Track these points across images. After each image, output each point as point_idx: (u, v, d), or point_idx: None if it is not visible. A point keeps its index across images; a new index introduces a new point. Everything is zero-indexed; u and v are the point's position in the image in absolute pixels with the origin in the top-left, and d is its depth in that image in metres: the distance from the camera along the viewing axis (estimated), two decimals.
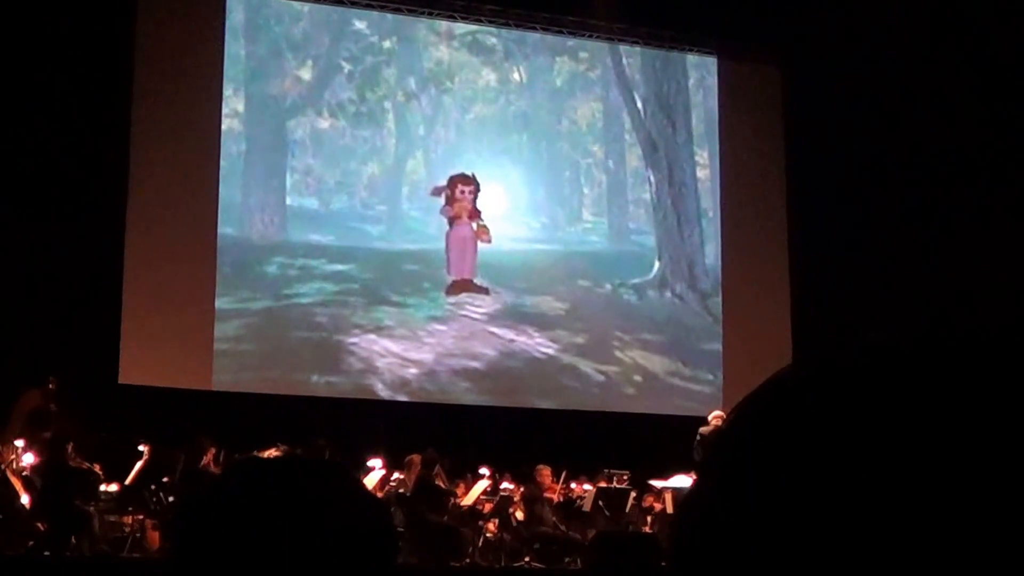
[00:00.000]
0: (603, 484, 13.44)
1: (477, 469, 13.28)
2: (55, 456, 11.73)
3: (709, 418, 13.21)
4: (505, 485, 13.26)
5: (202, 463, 12.08)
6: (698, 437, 13.02)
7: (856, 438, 0.56)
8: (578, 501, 13.31)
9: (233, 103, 15.52)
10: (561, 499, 13.35)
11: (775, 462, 0.58)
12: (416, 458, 12.85)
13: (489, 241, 16.07)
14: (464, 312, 15.90)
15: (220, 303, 14.92)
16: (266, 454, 10.90)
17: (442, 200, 16.07)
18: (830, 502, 0.55)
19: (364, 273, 15.68)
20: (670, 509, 12.80)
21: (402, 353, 15.49)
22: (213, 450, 12.29)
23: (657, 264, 16.87)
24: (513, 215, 16.44)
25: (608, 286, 16.64)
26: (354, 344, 15.33)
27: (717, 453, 0.62)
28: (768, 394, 0.62)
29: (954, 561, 0.53)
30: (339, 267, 15.60)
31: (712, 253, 17.02)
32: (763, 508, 0.57)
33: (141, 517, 11.94)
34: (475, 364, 15.77)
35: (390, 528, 1.38)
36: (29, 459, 11.83)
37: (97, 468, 12.00)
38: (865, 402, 0.58)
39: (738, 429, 0.62)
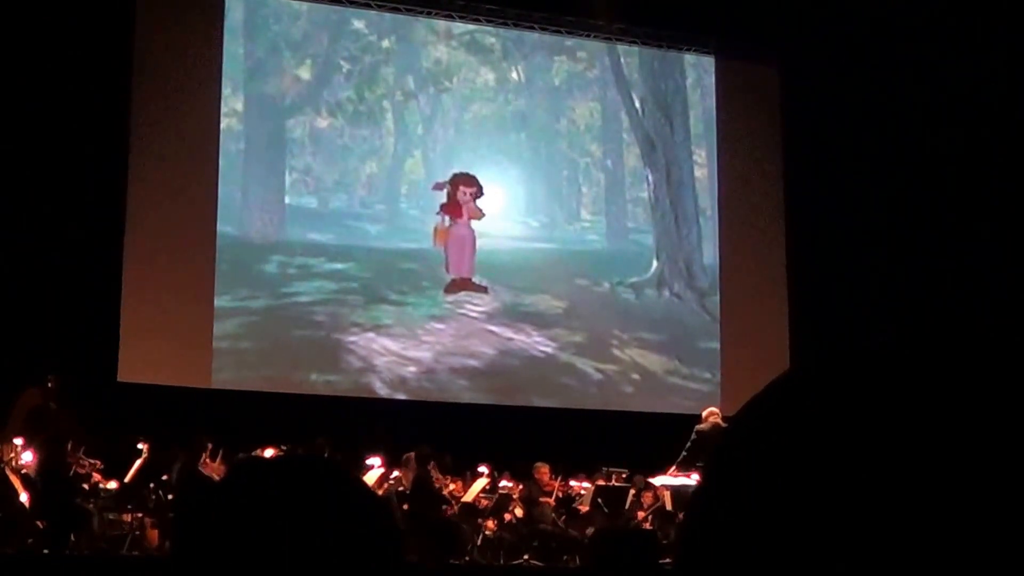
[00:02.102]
0: (602, 482, 13.45)
1: (476, 467, 13.28)
2: (54, 454, 11.72)
3: (704, 414, 13.21)
4: (504, 483, 13.26)
5: (199, 461, 12.09)
6: (694, 435, 13.02)
7: (859, 441, 0.57)
8: (577, 499, 13.31)
9: (232, 102, 15.51)
10: (560, 497, 13.35)
11: (779, 464, 0.59)
12: (413, 455, 12.85)
13: (480, 216, 16.05)
14: (463, 311, 15.90)
15: (219, 301, 14.91)
16: (266, 453, 10.93)
17: (443, 197, 16.06)
18: (833, 504, 0.56)
19: (363, 272, 15.68)
20: (669, 506, 12.80)
21: (401, 351, 15.48)
22: (210, 447, 12.30)
23: (655, 263, 16.86)
24: (511, 214, 16.43)
25: (606, 285, 16.64)
26: (353, 343, 15.33)
27: (722, 455, 0.63)
28: (772, 397, 0.62)
29: (954, 562, 0.54)
30: (338, 266, 15.60)
31: (710, 252, 17.01)
32: (767, 510, 0.58)
33: (140, 515, 11.92)
34: (474, 362, 15.77)
35: (394, 527, 1.37)
36: (28, 457, 11.83)
37: (96, 466, 12.01)
38: (868, 405, 0.58)
39: (742, 431, 0.63)
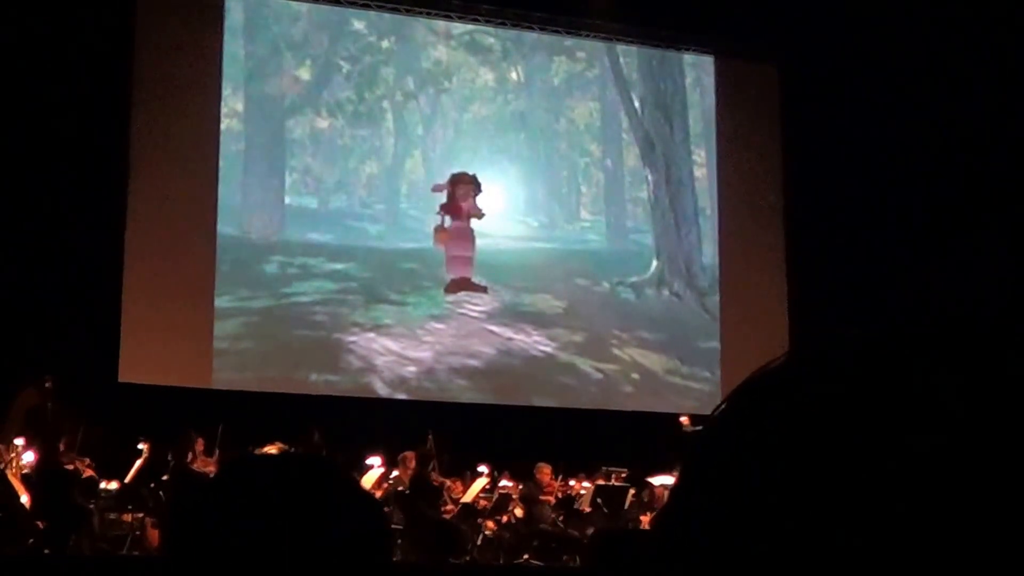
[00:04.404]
0: (601, 482, 13.45)
1: (476, 467, 13.29)
2: (52, 454, 11.74)
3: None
4: (504, 483, 13.27)
5: (189, 458, 12.12)
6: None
7: (845, 431, 0.57)
8: (577, 499, 13.32)
9: (232, 102, 15.51)
10: (560, 497, 13.35)
11: (762, 455, 0.58)
12: (409, 455, 12.85)
13: (480, 215, 16.06)
14: (462, 310, 15.90)
15: (219, 302, 14.92)
16: (263, 451, 10.93)
17: (443, 198, 16.07)
18: (818, 495, 0.56)
19: (363, 272, 15.68)
20: None
21: (401, 351, 15.48)
22: (201, 445, 12.31)
23: (655, 262, 16.87)
24: (511, 214, 16.44)
25: (606, 284, 16.64)
26: (353, 342, 15.33)
27: (704, 446, 0.62)
28: (756, 387, 0.62)
29: (946, 556, 0.54)
30: (338, 266, 15.60)
31: (709, 251, 17.02)
32: (749, 501, 0.57)
33: (141, 515, 11.94)
34: (473, 362, 15.77)
35: (385, 525, 1.39)
36: (30, 457, 11.85)
37: (94, 466, 12.02)
38: (854, 396, 0.58)
39: (725, 421, 0.62)
